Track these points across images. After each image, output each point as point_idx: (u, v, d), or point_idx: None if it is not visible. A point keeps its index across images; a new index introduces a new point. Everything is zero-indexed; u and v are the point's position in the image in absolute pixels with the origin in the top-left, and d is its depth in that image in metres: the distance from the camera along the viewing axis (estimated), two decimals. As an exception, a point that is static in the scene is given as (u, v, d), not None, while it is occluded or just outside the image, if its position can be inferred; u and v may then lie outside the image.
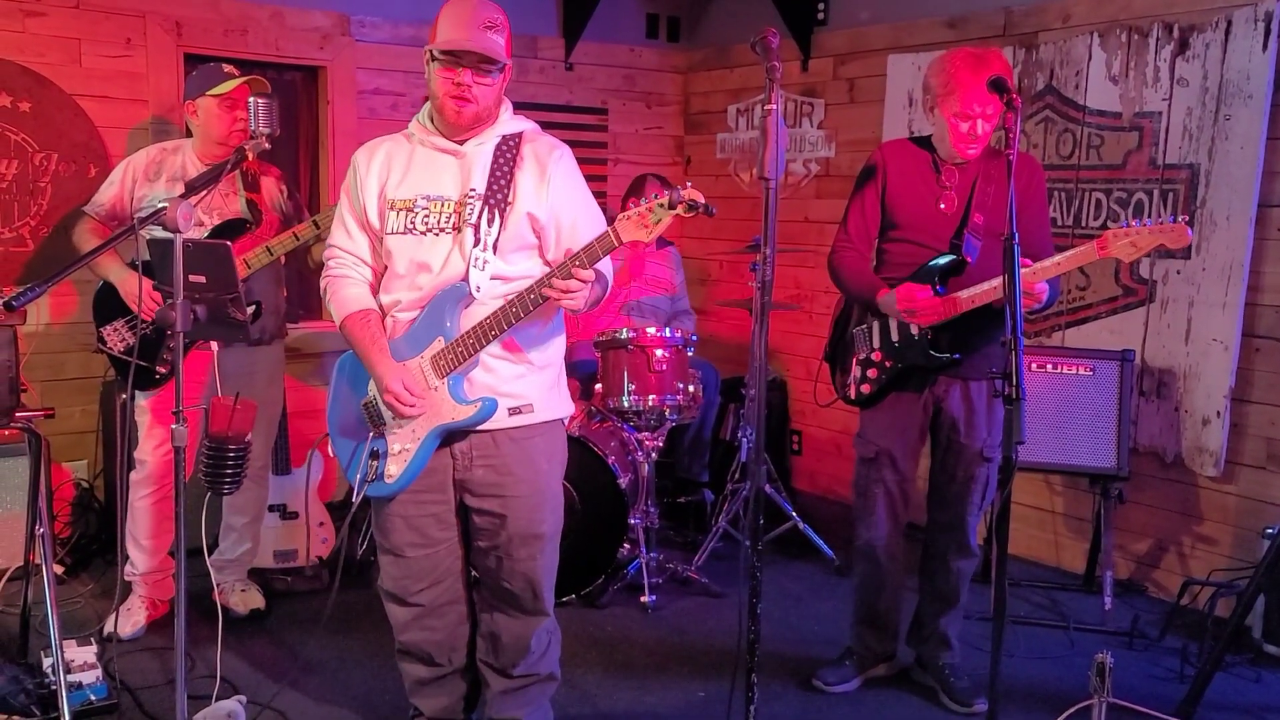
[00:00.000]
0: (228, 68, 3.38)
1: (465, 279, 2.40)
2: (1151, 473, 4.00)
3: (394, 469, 2.49)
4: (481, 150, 2.44)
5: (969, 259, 2.95)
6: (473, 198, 2.41)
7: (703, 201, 2.20)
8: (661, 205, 2.25)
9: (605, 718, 3.06)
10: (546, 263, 2.50)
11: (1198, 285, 3.79)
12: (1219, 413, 3.76)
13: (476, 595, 2.74)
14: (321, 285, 2.60)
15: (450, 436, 2.49)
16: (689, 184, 2.26)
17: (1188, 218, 2.72)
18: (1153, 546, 4.06)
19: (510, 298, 2.39)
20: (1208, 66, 3.72)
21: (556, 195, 2.46)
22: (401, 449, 2.48)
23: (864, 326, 3.15)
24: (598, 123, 5.52)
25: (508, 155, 2.44)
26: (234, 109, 3.32)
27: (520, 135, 2.49)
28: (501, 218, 2.41)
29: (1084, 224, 4.11)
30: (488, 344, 2.40)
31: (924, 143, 3.07)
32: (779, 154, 2.12)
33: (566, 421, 2.71)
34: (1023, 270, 2.73)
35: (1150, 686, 3.28)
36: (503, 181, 2.42)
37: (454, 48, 2.33)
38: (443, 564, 2.63)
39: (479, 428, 2.48)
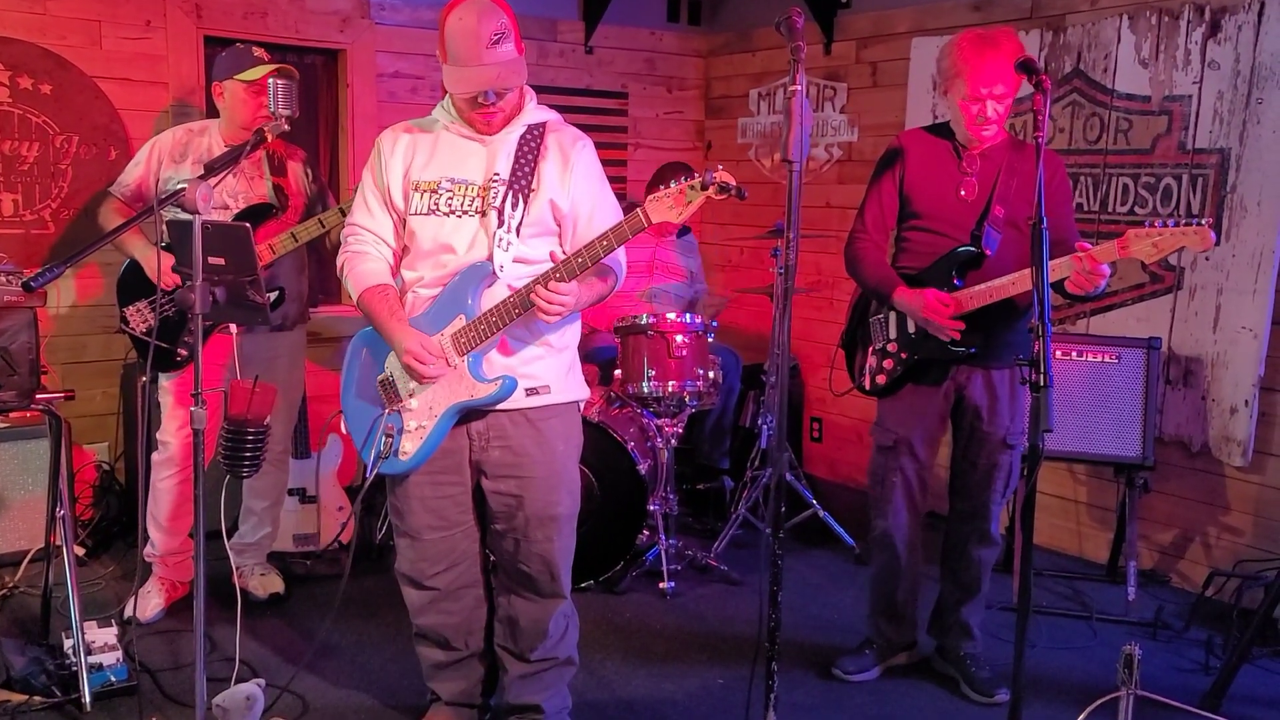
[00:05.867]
0: (258, 51, 3.35)
1: (489, 258, 2.41)
2: (1177, 462, 3.95)
3: (409, 446, 2.49)
4: (506, 138, 2.46)
5: (988, 251, 2.92)
6: (497, 182, 2.43)
7: (734, 184, 2.24)
8: (694, 187, 2.27)
9: (624, 704, 3.05)
10: (564, 251, 2.50)
11: (1227, 272, 3.73)
12: (1247, 402, 3.71)
13: (494, 579, 2.73)
14: (339, 261, 2.60)
15: (467, 416, 2.49)
16: (720, 167, 2.27)
17: (1212, 220, 2.68)
18: (1177, 537, 4.01)
19: (535, 277, 2.40)
20: (1240, 49, 3.65)
21: (578, 184, 2.48)
22: (418, 426, 2.48)
23: (880, 316, 3.12)
24: (618, 107, 5.49)
25: (532, 144, 2.46)
26: (260, 94, 3.30)
27: (544, 125, 2.50)
28: (525, 202, 2.43)
29: (1111, 209, 4.05)
30: (509, 324, 2.40)
31: (944, 130, 3.04)
32: (803, 136, 2.08)
33: (582, 405, 2.70)
34: (1061, 260, 2.70)
35: (1175, 678, 3.25)
36: (527, 168, 2.44)
37: (469, 91, 2.35)
38: (459, 547, 2.63)
39: (496, 408, 2.48)
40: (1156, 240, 2.66)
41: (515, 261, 2.44)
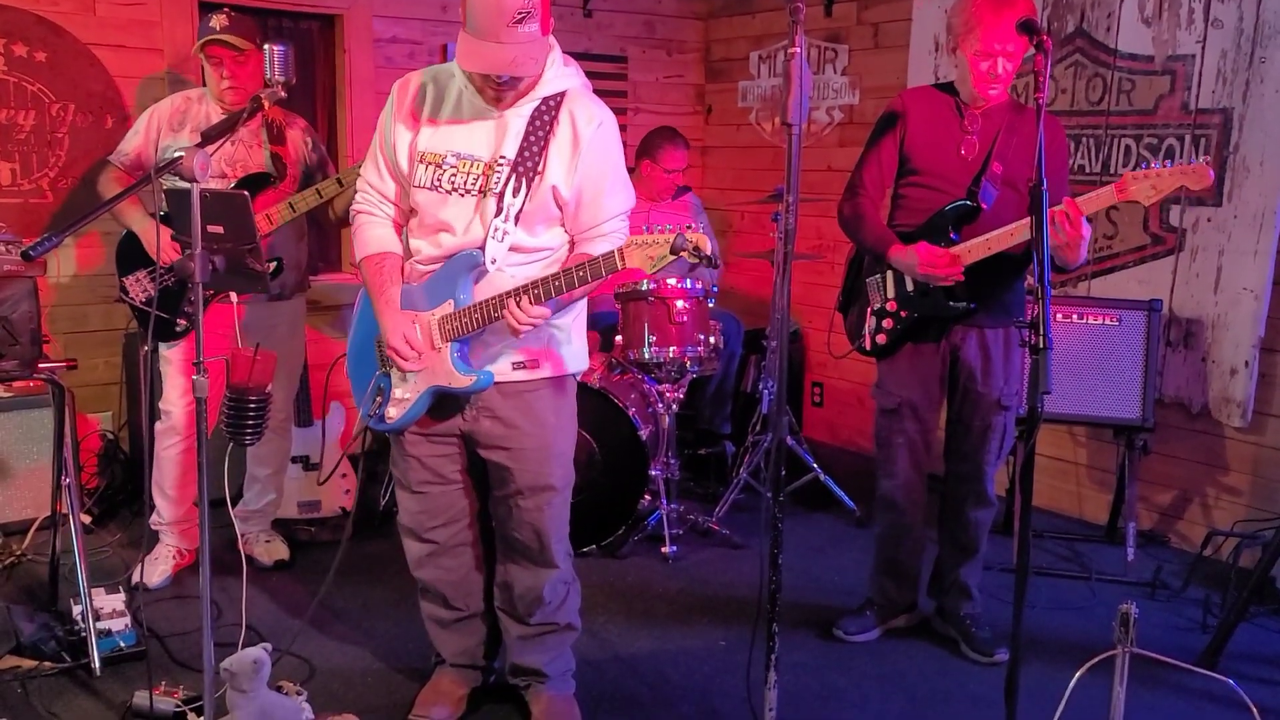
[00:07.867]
0: (214, 20, 3.29)
1: (482, 248, 2.38)
2: (1177, 424, 3.96)
3: (394, 412, 2.52)
4: (519, 113, 2.37)
5: (984, 205, 2.91)
6: (501, 164, 2.36)
7: (707, 253, 2.18)
8: (667, 243, 2.20)
9: (626, 665, 3.08)
10: (566, 231, 2.47)
11: (1228, 233, 3.72)
12: (1247, 363, 3.71)
13: (497, 544, 2.75)
14: (352, 214, 2.59)
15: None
16: (699, 228, 2.21)
17: (1209, 158, 2.67)
18: (1176, 498, 4.03)
19: (530, 277, 2.34)
20: (1243, 7, 3.62)
21: (586, 168, 2.38)
22: (402, 397, 2.51)
23: (878, 276, 3.11)
24: (617, 71, 5.44)
25: (545, 119, 2.36)
26: (219, 66, 3.29)
27: (562, 97, 2.39)
28: (528, 188, 2.35)
29: (1113, 170, 4.03)
30: (494, 321, 2.36)
31: (947, 88, 3.03)
32: (803, 99, 2.07)
33: (579, 376, 2.68)
34: (1052, 209, 2.69)
35: (1173, 637, 3.28)
36: (535, 149, 2.35)
37: (478, 71, 2.27)
38: (457, 504, 2.65)
39: None
40: (1154, 181, 2.65)
41: (512, 250, 2.39)
